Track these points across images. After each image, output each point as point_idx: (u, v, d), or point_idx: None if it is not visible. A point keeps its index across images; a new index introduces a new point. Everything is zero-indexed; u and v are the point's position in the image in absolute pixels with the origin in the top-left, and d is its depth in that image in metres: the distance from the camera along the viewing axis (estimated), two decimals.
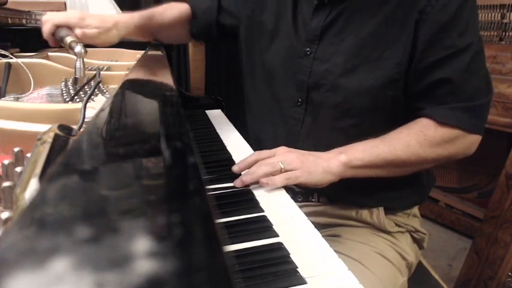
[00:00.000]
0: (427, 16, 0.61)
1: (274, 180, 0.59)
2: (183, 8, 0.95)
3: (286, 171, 0.61)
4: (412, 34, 0.62)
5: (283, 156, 0.62)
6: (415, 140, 0.64)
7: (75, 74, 0.71)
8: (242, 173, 0.62)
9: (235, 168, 0.63)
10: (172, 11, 0.94)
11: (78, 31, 0.74)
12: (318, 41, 0.70)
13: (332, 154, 0.64)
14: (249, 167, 0.62)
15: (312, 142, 0.72)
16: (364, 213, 0.74)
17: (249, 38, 0.84)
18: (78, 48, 0.68)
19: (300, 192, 0.76)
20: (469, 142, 0.66)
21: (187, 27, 0.96)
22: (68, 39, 0.71)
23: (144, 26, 0.89)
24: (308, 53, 0.71)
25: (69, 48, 0.71)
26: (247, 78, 0.88)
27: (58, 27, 0.75)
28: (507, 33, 1.37)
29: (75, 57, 0.96)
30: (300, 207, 0.55)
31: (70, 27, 0.75)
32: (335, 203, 0.76)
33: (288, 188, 0.61)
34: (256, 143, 0.85)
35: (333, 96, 0.68)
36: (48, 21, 0.75)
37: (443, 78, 0.62)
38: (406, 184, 0.73)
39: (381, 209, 0.74)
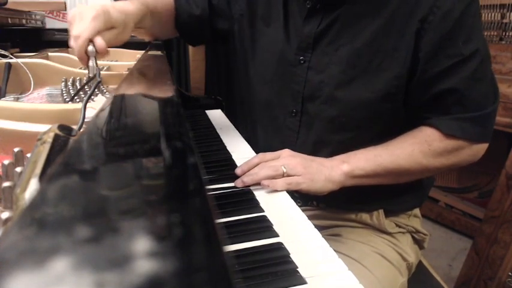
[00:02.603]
0: (429, 25, 0.58)
1: (276, 184, 0.58)
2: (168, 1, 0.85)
3: (288, 175, 0.60)
4: (412, 45, 0.60)
5: (287, 160, 0.62)
6: (418, 149, 0.63)
7: (88, 73, 0.69)
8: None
9: (238, 171, 0.62)
10: (163, 2, 0.83)
11: (99, 41, 0.59)
12: (312, 49, 0.68)
13: (335, 162, 0.63)
14: (252, 169, 0.62)
15: (307, 153, 0.72)
16: (364, 216, 0.74)
17: (242, 40, 0.81)
18: (90, 47, 0.61)
19: (299, 197, 0.76)
20: (474, 151, 0.65)
21: (169, 24, 0.87)
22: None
23: (142, 19, 0.74)
24: (302, 61, 0.69)
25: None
26: (242, 82, 0.85)
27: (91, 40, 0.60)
28: (507, 33, 1.37)
29: (75, 57, 0.97)
30: None
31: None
32: (334, 207, 0.76)
33: (288, 192, 0.60)
34: (253, 148, 0.84)
35: (329, 109, 0.67)
36: (77, 38, 0.59)
37: (450, 88, 0.60)
38: (406, 189, 0.73)
39: (381, 211, 0.73)
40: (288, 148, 0.73)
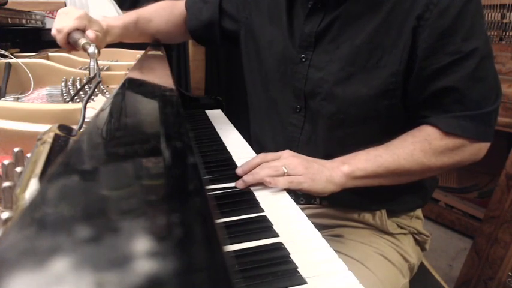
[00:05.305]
0: (425, 22, 0.58)
1: (277, 181, 0.58)
2: (177, 11, 0.94)
3: (288, 175, 0.60)
4: (410, 41, 0.60)
5: (288, 160, 0.62)
6: (419, 148, 0.62)
7: (89, 74, 0.71)
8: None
9: (238, 171, 0.62)
10: (162, 15, 0.92)
11: (90, 34, 0.73)
12: (313, 47, 0.68)
13: (335, 163, 0.63)
14: (253, 169, 0.62)
15: (310, 149, 0.72)
16: (367, 215, 0.74)
17: (248, 41, 0.83)
18: (92, 49, 0.69)
19: (302, 195, 0.76)
20: (476, 149, 0.64)
21: (183, 30, 0.96)
22: (82, 41, 0.71)
23: (128, 34, 0.88)
24: (303, 59, 0.69)
25: (83, 50, 0.71)
26: (248, 81, 0.87)
27: (69, 33, 0.74)
28: (507, 33, 1.37)
29: (75, 57, 0.97)
30: (302, 209, 0.55)
31: (81, 30, 0.74)
32: (337, 205, 0.76)
33: (290, 191, 0.60)
34: (258, 146, 0.85)
35: (328, 105, 0.67)
36: (60, 31, 0.74)
37: (448, 86, 0.60)
38: (409, 189, 0.72)
39: (384, 212, 0.73)
40: (292, 144, 0.74)
